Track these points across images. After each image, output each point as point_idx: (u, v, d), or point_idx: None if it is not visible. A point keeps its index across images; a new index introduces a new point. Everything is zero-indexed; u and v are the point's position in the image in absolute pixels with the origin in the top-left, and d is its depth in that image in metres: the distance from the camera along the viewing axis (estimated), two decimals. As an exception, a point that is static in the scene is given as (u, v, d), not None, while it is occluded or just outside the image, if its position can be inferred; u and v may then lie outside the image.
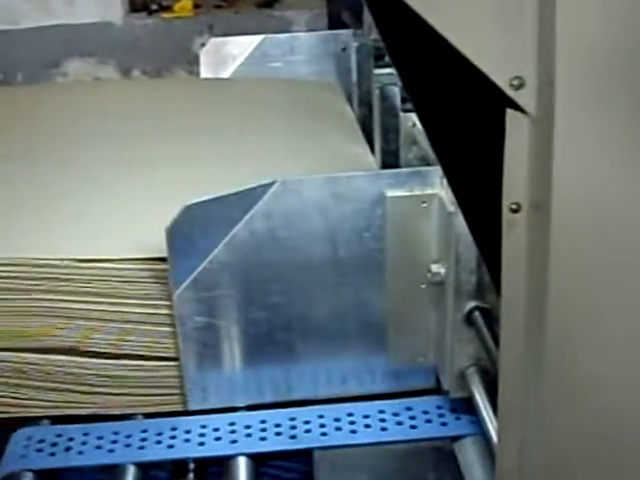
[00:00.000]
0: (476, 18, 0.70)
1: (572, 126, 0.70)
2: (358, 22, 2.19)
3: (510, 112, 0.73)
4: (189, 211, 1.22)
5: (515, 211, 0.76)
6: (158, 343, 1.31)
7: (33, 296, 1.31)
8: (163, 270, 1.28)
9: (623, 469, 0.84)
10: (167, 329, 1.31)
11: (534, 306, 0.79)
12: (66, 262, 1.30)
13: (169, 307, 1.29)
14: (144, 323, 1.31)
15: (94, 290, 1.30)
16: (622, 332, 0.77)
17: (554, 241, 0.74)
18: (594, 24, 0.67)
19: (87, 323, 1.31)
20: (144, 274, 1.30)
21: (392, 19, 0.77)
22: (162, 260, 1.28)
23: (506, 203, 0.76)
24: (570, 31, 0.67)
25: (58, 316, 1.31)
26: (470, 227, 0.88)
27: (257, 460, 1.28)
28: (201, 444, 1.28)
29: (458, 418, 1.30)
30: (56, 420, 1.35)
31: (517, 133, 0.73)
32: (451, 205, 1.19)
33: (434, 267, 1.26)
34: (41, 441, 1.30)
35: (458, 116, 0.81)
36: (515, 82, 0.71)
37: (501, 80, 0.71)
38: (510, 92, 0.71)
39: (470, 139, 0.80)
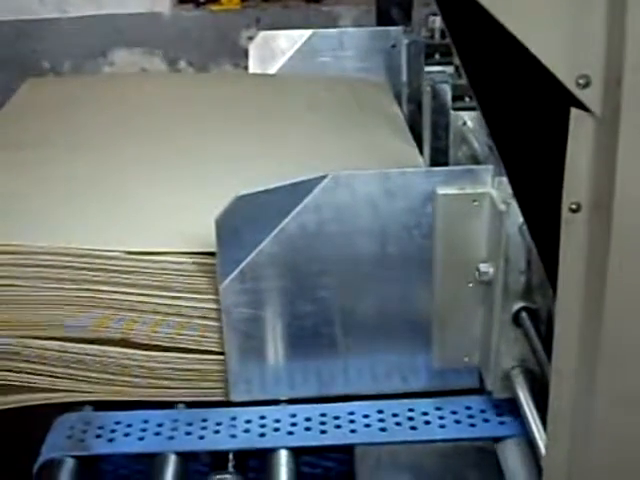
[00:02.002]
0: (543, 14, 0.69)
1: (638, 127, 0.69)
2: (407, 19, 2.18)
3: (575, 111, 0.72)
4: (239, 202, 1.22)
5: (575, 211, 0.75)
6: (205, 337, 1.32)
7: (85, 286, 1.31)
8: (212, 264, 1.29)
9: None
10: (214, 323, 1.31)
11: (591, 308, 0.78)
12: (117, 254, 1.31)
13: (216, 301, 1.29)
14: (192, 317, 1.31)
15: (144, 282, 1.31)
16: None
17: (614, 243, 0.73)
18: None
19: (136, 315, 1.32)
20: (194, 267, 1.30)
21: (460, 13, 0.76)
22: (212, 255, 1.28)
23: (566, 202, 0.75)
24: (640, 31, 0.66)
25: (108, 307, 1.32)
26: (528, 225, 0.87)
27: (298, 454, 1.27)
28: (242, 436, 1.28)
29: (501, 419, 1.29)
30: (98, 407, 1.36)
31: (581, 132, 0.72)
32: (502, 204, 1.18)
33: (483, 266, 1.25)
34: (83, 428, 1.30)
35: (522, 113, 0.80)
36: (581, 80, 0.70)
37: (567, 78, 0.70)
38: (576, 91, 0.70)
39: (533, 136, 0.80)
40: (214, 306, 1.30)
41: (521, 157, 0.81)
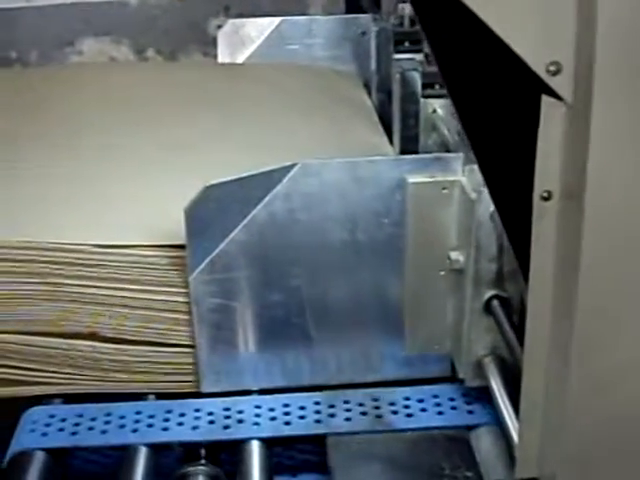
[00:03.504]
0: (513, 1, 0.68)
1: (610, 114, 0.68)
2: (376, 7, 2.17)
3: (545, 98, 0.71)
4: (208, 192, 1.21)
5: (546, 199, 0.75)
6: (174, 330, 1.31)
7: (52, 280, 1.30)
8: (181, 257, 1.28)
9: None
10: (183, 316, 1.30)
11: (562, 295, 0.78)
12: (84, 247, 1.29)
13: (185, 294, 1.29)
14: (161, 310, 1.30)
15: (114, 276, 1.30)
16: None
17: (586, 230, 0.73)
18: (634, 10, 0.66)
19: (104, 308, 1.30)
20: (164, 261, 1.29)
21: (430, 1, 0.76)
22: (181, 247, 1.27)
23: (538, 191, 0.75)
24: (611, 15, 0.66)
25: (76, 301, 1.30)
26: (500, 213, 0.87)
27: (270, 444, 1.27)
28: (213, 427, 1.27)
29: (473, 407, 1.29)
30: (69, 400, 1.35)
31: (552, 120, 0.72)
32: (472, 192, 1.18)
33: (453, 254, 1.25)
34: (53, 420, 1.29)
35: (492, 101, 0.79)
36: (552, 68, 0.70)
37: (537, 65, 0.70)
38: (546, 78, 0.70)
39: (504, 124, 0.79)
40: (183, 299, 1.29)
41: (492, 145, 0.81)
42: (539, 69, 0.69)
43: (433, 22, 0.80)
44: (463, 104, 0.83)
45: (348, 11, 2.46)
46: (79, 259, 1.29)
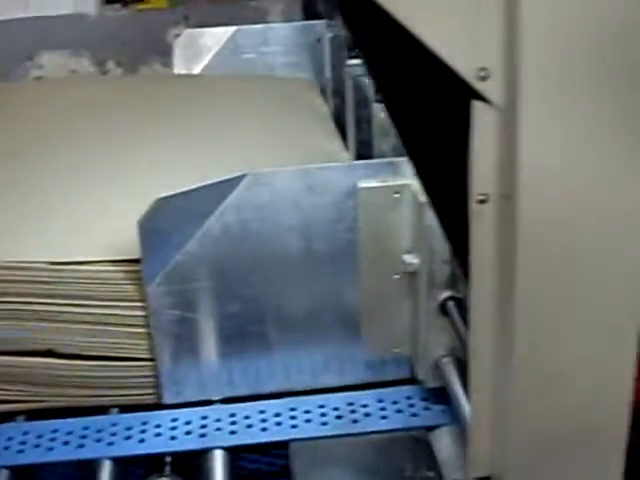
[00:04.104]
0: (439, 9, 0.69)
1: (537, 116, 0.70)
2: (332, 12, 2.18)
3: (476, 103, 0.73)
4: (160, 204, 1.21)
5: (483, 202, 0.76)
6: (134, 344, 1.31)
7: (7, 299, 1.30)
8: (137, 271, 1.28)
9: (586, 465, 0.84)
10: (142, 330, 1.30)
11: (503, 298, 0.79)
12: (39, 265, 1.29)
13: (143, 308, 1.29)
14: (120, 325, 1.31)
15: (68, 292, 1.29)
16: (590, 325, 0.78)
17: (521, 231, 0.74)
18: (558, 13, 0.67)
19: (61, 325, 1.30)
20: (119, 275, 1.29)
21: (358, 10, 0.76)
22: (137, 262, 1.27)
23: (473, 194, 0.76)
24: (534, 21, 0.67)
25: (33, 319, 1.30)
26: (439, 218, 0.88)
27: (233, 453, 1.28)
28: (176, 438, 1.28)
29: (433, 408, 1.30)
30: (32, 416, 1.35)
31: (483, 124, 0.73)
32: (423, 195, 1.19)
33: (407, 257, 1.26)
34: (15, 437, 1.29)
35: (425, 107, 0.80)
36: (481, 73, 0.71)
37: (466, 72, 0.71)
38: (476, 83, 0.71)
39: (437, 130, 0.80)
40: (141, 313, 1.29)
41: (428, 151, 0.82)
42: (468, 75, 0.71)
43: (363, 29, 0.81)
44: (397, 111, 0.84)
45: (306, 17, 2.47)
46: (34, 277, 1.29)
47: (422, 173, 0.84)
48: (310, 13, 2.45)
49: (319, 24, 2.16)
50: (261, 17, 3.06)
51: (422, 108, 0.79)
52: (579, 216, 0.73)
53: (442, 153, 0.79)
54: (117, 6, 3.14)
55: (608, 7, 0.65)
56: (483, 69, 0.71)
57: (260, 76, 2.10)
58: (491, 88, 0.71)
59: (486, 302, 0.80)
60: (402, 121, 0.84)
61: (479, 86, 0.71)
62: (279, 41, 2.16)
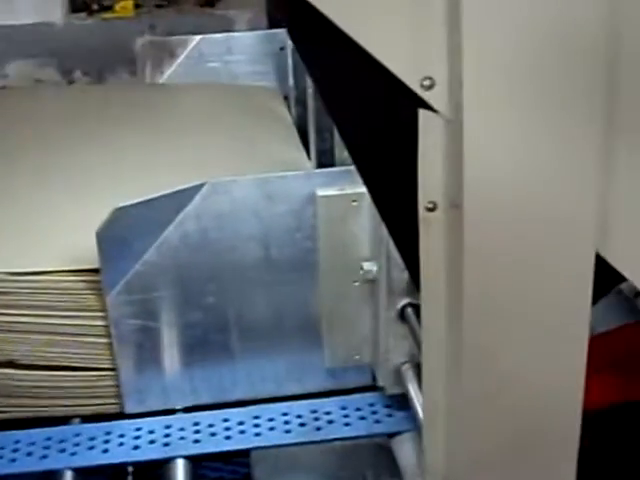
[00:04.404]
0: (384, 19, 0.70)
1: (481, 125, 0.70)
2: (297, 21, 2.18)
3: (422, 112, 0.73)
4: (119, 214, 1.21)
5: (431, 210, 0.77)
6: (94, 354, 1.31)
7: None
8: (98, 281, 1.28)
9: (545, 461, 0.85)
10: (102, 340, 1.30)
11: (452, 305, 0.80)
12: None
13: (103, 318, 1.29)
14: (79, 335, 1.30)
15: (27, 303, 1.29)
16: (536, 331, 0.78)
17: (467, 239, 0.74)
18: (499, 24, 0.68)
19: (22, 336, 1.30)
20: (79, 285, 1.29)
21: (303, 21, 0.77)
22: (97, 271, 1.27)
23: (422, 202, 0.76)
24: (476, 31, 0.68)
25: None
26: (388, 228, 0.88)
27: (195, 462, 1.28)
28: (138, 448, 1.28)
29: (394, 414, 1.31)
30: (-5, 427, 1.35)
31: (430, 133, 0.74)
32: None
33: (366, 265, 1.26)
34: (-22, 449, 1.29)
35: (372, 117, 0.81)
36: (426, 82, 0.71)
37: (412, 81, 0.71)
38: (421, 92, 0.72)
39: (385, 139, 0.81)
40: (101, 323, 1.29)
41: (375, 161, 0.83)
42: (413, 84, 0.71)
43: (307, 40, 0.81)
44: (343, 121, 0.85)
45: (271, 26, 2.47)
46: None
47: (370, 183, 0.84)
48: (275, 22, 2.46)
49: (283, 33, 2.17)
50: (228, 26, 3.07)
51: (369, 118, 0.80)
52: (525, 223, 0.74)
53: (391, 162, 0.80)
54: (83, 15, 3.14)
55: (545, 18, 0.66)
56: (428, 78, 0.71)
57: (224, 85, 2.10)
58: (436, 97, 0.72)
59: (436, 308, 0.81)
60: (348, 130, 0.84)
61: (424, 95, 0.72)
62: (243, 50, 2.17)
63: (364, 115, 0.81)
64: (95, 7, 3.18)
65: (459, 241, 0.76)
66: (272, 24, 2.48)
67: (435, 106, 0.72)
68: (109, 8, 3.17)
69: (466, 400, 0.81)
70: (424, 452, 0.94)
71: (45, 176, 1.63)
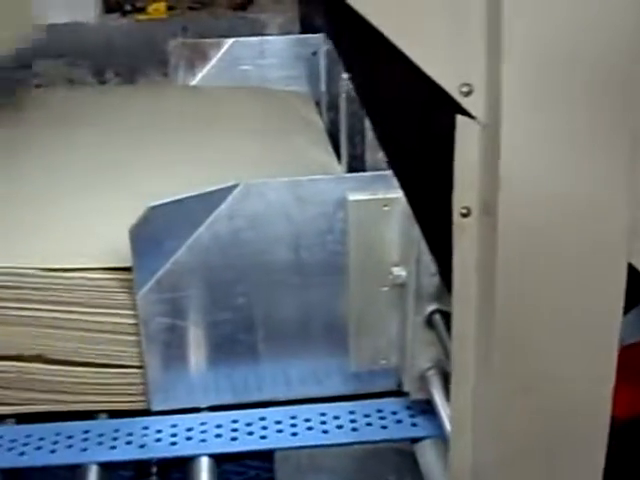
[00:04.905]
0: (424, 25, 0.71)
1: (518, 132, 0.71)
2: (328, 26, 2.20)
3: (460, 118, 0.74)
4: (152, 213, 1.22)
5: (465, 215, 0.77)
6: (123, 352, 1.32)
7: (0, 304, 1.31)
8: (129, 279, 1.29)
9: (572, 466, 0.85)
10: (132, 338, 1.31)
11: (484, 309, 0.80)
12: (33, 271, 1.30)
13: (134, 316, 1.30)
14: (110, 332, 1.32)
15: (60, 299, 1.31)
16: (566, 339, 0.79)
17: (501, 245, 0.75)
18: (538, 31, 0.69)
19: (51, 331, 1.32)
20: (111, 283, 1.30)
21: (345, 24, 0.78)
22: (128, 270, 1.28)
23: (456, 207, 0.77)
24: (517, 39, 0.69)
25: (24, 324, 1.31)
26: (422, 231, 0.89)
27: (219, 460, 1.28)
28: (163, 444, 1.29)
29: (418, 420, 1.31)
30: (21, 420, 1.36)
31: (467, 138, 0.74)
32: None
33: (395, 270, 1.27)
34: (3, 440, 1.30)
35: (410, 121, 0.82)
36: (464, 89, 0.72)
37: (450, 87, 0.72)
38: (459, 98, 0.72)
39: (422, 144, 0.82)
40: (131, 321, 1.30)
41: (413, 165, 0.83)
42: (452, 90, 0.72)
43: (348, 43, 0.82)
44: (381, 123, 0.86)
45: (303, 31, 2.49)
46: (27, 282, 1.30)
47: (406, 187, 0.85)
48: (307, 27, 2.47)
49: (315, 37, 2.18)
50: (259, 30, 3.08)
51: (407, 122, 0.81)
52: (559, 230, 0.75)
53: (428, 166, 0.81)
54: (116, 16, 3.16)
55: (584, 26, 0.67)
56: (466, 84, 0.72)
57: (256, 88, 2.12)
58: (474, 103, 0.73)
59: (468, 312, 0.82)
60: (386, 133, 0.85)
61: (462, 101, 0.73)
62: (275, 53, 2.18)
63: (402, 119, 0.82)
64: (128, 8, 3.20)
65: (492, 247, 0.76)
66: (304, 29, 2.49)
67: (473, 112, 0.73)
68: (142, 9, 3.19)
69: (495, 405, 0.82)
70: (450, 457, 0.94)
71: (80, 174, 1.64)
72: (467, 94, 0.72)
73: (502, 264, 0.76)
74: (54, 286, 1.30)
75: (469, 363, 0.84)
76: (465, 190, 0.76)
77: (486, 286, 0.79)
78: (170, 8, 3.20)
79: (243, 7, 3.22)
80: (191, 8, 3.24)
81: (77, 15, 3.08)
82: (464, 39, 0.71)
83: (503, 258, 0.76)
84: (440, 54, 0.71)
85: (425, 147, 0.81)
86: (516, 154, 0.72)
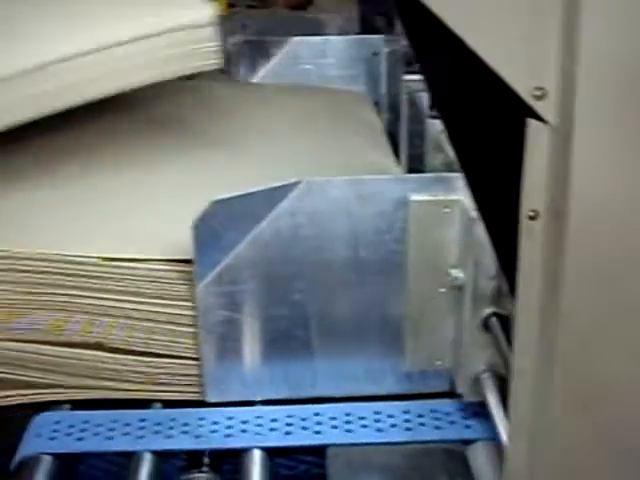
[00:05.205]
0: (500, 28, 0.71)
1: (591, 137, 0.71)
2: (390, 27, 2.21)
3: (531, 121, 0.74)
4: (215, 206, 1.24)
5: (533, 218, 0.78)
6: (180, 343, 1.34)
7: (60, 291, 1.34)
8: (188, 271, 1.31)
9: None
10: (188, 329, 1.33)
11: (548, 313, 0.81)
12: (94, 260, 1.33)
13: (193, 308, 1.32)
14: (168, 323, 1.34)
15: (120, 289, 1.33)
16: (634, 347, 0.79)
17: (570, 249, 0.75)
18: (617, 38, 0.69)
19: (111, 320, 1.34)
20: (171, 275, 1.32)
21: (420, 25, 0.79)
22: (189, 262, 1.30)
23: (524, 210, 0.78)
24: (593, 44, 0.69)
25: (84, 312, 1.34)
26: (489, 233, 0.89)
27: (271, 454, 1.30)
28: (218, 436, 1.30)
29: (471, 422, 1.31)
30: (77, 406, 1.38)
31: (537, 142, 0.75)
32: (473, 211, 1.21)
33: (454, 272, 1.27)
34: (61, 426, 1.33)
35: (481, 123, 0.82)
36: (537, 92, 0.73)
37: (523, 90, 0.73)
38: (532, 102, 0.73)
39: (492, 146, 0.82)
40: (188, 312, 1.32)
41: (481, 166, 0.84)
42: (525, 94, 0.72)
43: (423, 44, 0.83)
44: (452, 125, 0.86)
45: (363, 31, 2.50)
46: (88, 271, 1.32)
47: (475, 187, 0.86)
48: (367, 27, 2.48)
49: (376, 38, 2.19)
50: (318, 30, 3.09)
51: (478, 122, 0.81)
52: (630, 237, 0.75)
53: (496, 168, 0.81)
54: (178, 12, 3.19)
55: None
56: (540, 88, 0.72)
57: (315, 87, 2.13)
58: (546, 107, 0.73)
59: (531, 317, 0.82)
60: (457, 134, 0.86)
61: (534, 105, 0.73)
62: (336, 53, 2.19)
63: (474, 120, 0.83)
64: (189, 5, 3.22)
65: (560, 251, 0.77)
66: (364, 29, 2.49)
67: (545, 116, 0.73)
68: (203, 6, 3.20)
69: (557, 409, 0.82)
70: (506, 461, 0.95)
71: (143, 166, 1.66)
72: (540, 97, 0.73)
73: (569, 269, 0.76)
74: (115, 276, 1.32)
75: (529, 369, 0.85)
76: (534, 193, 0.77)
77: (551, 290, 0.79)
78: (230, 5, 3.22)
79: (302, 7, 3.23)
80: (250, 6, 3.26)
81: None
82: (538, 42, 0.71)
83: (570, 263, 0.76)
84: (514, 58, 0.72)
85: (495, 148, 0.81)
86: (588, 158, 0.72)
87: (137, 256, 1.33)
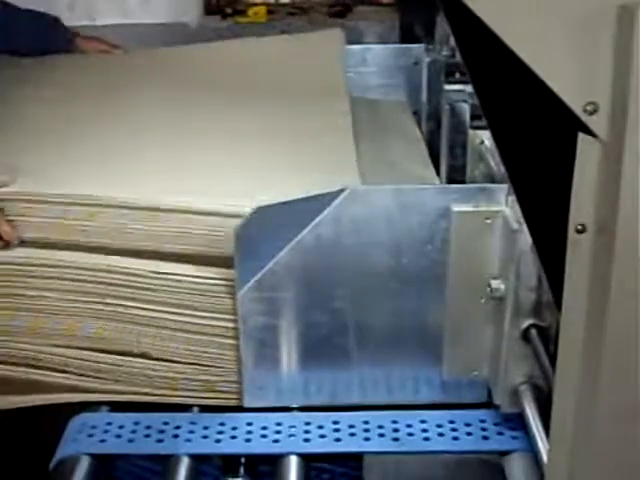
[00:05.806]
0: (554, 43, 0.72)
1: (642, 153, 0.72)
2: (430, 36, 2.21)
3: (582, 136, 0.75)
4: (258, 213, 1.25)
5: (581, 232, 0.78)
6: (222, 355, 1.36)
7: (108, 301, 1.36)
8: (231, 285, 1.32)
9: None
10: (231, 341, 1.35)
11: (593, 326, 0.81)
12: (143, 271, 1.35)
13: (233, 321, 1.33)
14: (211, 335, 1.36)
15: (168, 300, 1.35)
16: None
17: (617, 263, 0.76)
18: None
19: (158, 331, 1.37)
20: (217, 288, 1.34)
21: (472, 36, 0.79)
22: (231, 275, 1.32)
23: (572, 224, 0.78)
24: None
25: (132, 322, 1.37)
26: (535, 244, 0.90)
27: (308, 460, 1.30)
28: (253, 441, 1.31)
29: (508, 433, 1.31)
30: (115, 408, 1.40)
31: (588, 156, 0.75)
32: (515, 223, 1.21)
33: (494, 283, 1.27)
34: (100, 427, 1.34)
35: (531, 135, 0.83)
36: (589, 107, 0.73)
37: (575, 105, 0.73)
38: (584, 117, 0.73)
39: (542, 158, 0.83)
40: (231, 325, 1.34)
41: (530, 178, 0.84)
42: (577, 108, 0.73)
43: (475, 55, 0.83)
44: (503, 137, 0.87)
45: (402, 40, 2.50)
46: (138, 283, 1.35)
47: (523, 198, 0.86)
48: (406, 37, 2.48)
49: (416, 48, 2.20)
50: (357, 38, 3.09)
51: (529, 134, 0.82)
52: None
53: (545, 180, 0.82)
54: (217, 18, 3.21)
55: None
56: (592, 103, 0.73)
57: (355, 96, 2.13)
58: (598, 122, 0.74)
59: (576, 330, 0.82)
60: (507, 146, 0.86)
61: (586, 120, 0.73)
62: (377, 62, 2.20)
63: (524, 132, 0.83)
64: (229, 11, 3.25)
65: (606, 265, 0.77)
66: (404, 38, 2.50)
67: (596, 131, 0.74)
68: (242, 12, 3.23)
69: (600, 423, 0.82)
70: (546, 471, 0.95)
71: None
72: (592, 113, 0.73)
73: (616, 283, 0.76)
74: (161, 287, 1.34)
75: (574, 381, 0.85)
76: (582, 207, 0.77)
77: (597, 303, 0.79)
78: (269, 12, 3.24)
79: (342, 14, 3.24)
80: (290, 14, 3.28)
81: (179, 16, 3.14)
82: (591, 57, 0.72)
83: (617, 277, 0.76)
84: (567, 73, 0.72)
85: (545, 161, 0.82)
86: (638, 175, 0.72)
87: (185, 272, 1.35)
